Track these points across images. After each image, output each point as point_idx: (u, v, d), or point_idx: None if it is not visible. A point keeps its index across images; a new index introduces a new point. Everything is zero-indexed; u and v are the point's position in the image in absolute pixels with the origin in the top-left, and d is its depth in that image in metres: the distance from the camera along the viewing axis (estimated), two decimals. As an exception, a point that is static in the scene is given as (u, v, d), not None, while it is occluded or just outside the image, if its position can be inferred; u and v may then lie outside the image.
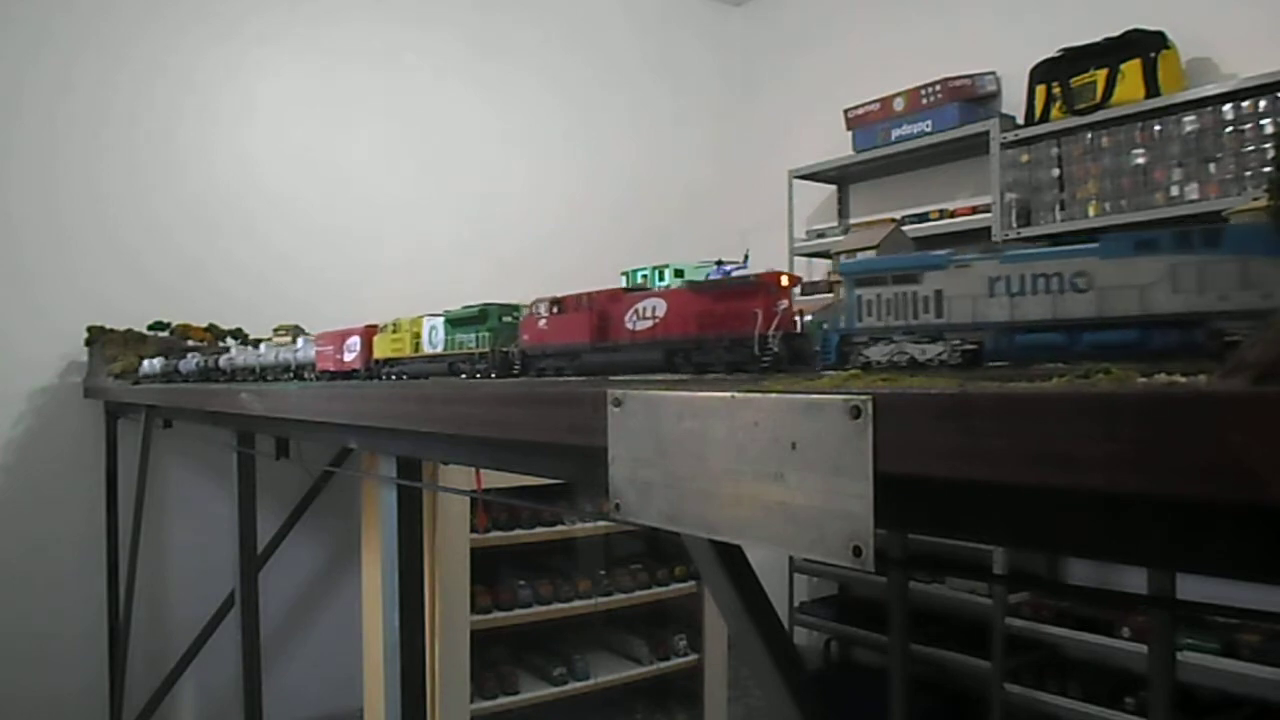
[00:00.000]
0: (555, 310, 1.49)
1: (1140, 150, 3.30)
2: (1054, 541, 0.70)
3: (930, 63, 4.17)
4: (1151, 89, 3.30)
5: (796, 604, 4.62)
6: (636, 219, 5.08)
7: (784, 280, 1.17)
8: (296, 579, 4.17)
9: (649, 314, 1.31)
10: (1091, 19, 3.57)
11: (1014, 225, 3.66)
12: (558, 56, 5.08)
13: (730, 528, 0.76)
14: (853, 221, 4.80)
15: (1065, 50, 3.57)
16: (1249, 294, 0.76)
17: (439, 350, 1.83)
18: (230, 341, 3.69)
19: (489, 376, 1.64)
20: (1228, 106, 3.08)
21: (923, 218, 4.19)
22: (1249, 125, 3.04)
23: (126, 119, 3.89)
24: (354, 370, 2.15)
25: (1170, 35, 3.35)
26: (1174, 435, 0.47)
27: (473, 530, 3.07)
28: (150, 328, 3.80)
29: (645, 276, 1.54)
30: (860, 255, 1.43)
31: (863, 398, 0.64)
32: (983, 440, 0.56)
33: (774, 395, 0.72)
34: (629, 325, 1.34)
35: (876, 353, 0.99)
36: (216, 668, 3.72)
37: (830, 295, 1.51)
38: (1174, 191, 3.21)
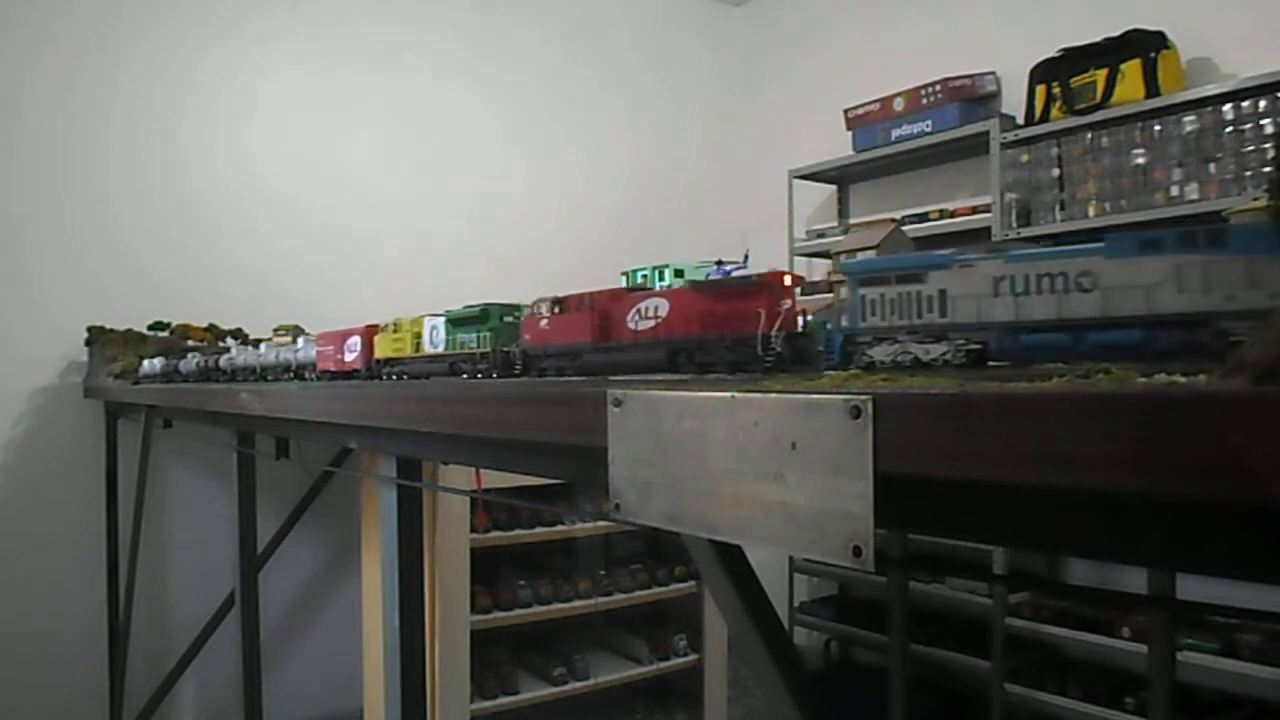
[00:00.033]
0: (557, 310, 1.49)
1: (1140, 150, 3.30)
2: (1054, 541, 0.70)
3: (930, 63, 4.17)
4: (1151, 89, 3.30)
5: (796, 604, 4.62)
6: (636, 219, 5.08)
7: (787, 280, 1.17)
8: (296, 579, 4.17)
9: (651, 314, 1.30)
10: (1091, 19, 3.57)
11: (1014, 225, 3.66)
12: (558, 56, 5.08)
13: (730, 528, 0.76)
14: (853, 221, 4.80)
15: (1065, 50, 3.57)
16: (1255, 294, 0.75)
17: (440, 350, 1.83)
18: (230, 341, 3.69)
19: (490, 376, 1.64)
20: (1228, 106, 3.08)
21: (923, 218, 4.19)
22: (1249, 125, 3.04)
23: (126, 119, 3.89)
24: (355, 370, 2.15)
25: (1170, 35, 3.35)
26: (1174, 435, 0.47)
27: (473, 530, 3.07)
28: (150, 328, 3.80)
29: (645, 276, 1.54)
30: (860, 255, 1.43)
31: (863, 398, 0.64)
32: (983, 440, 0.56)
33: (774, 395, 0.72)
34: (631, 325, 1.33)
35: (880, 352, 0.98)
36: (216, 668, 3.72)
37: (830, 295, 1.50)
38: (1174, 191, 3.21)
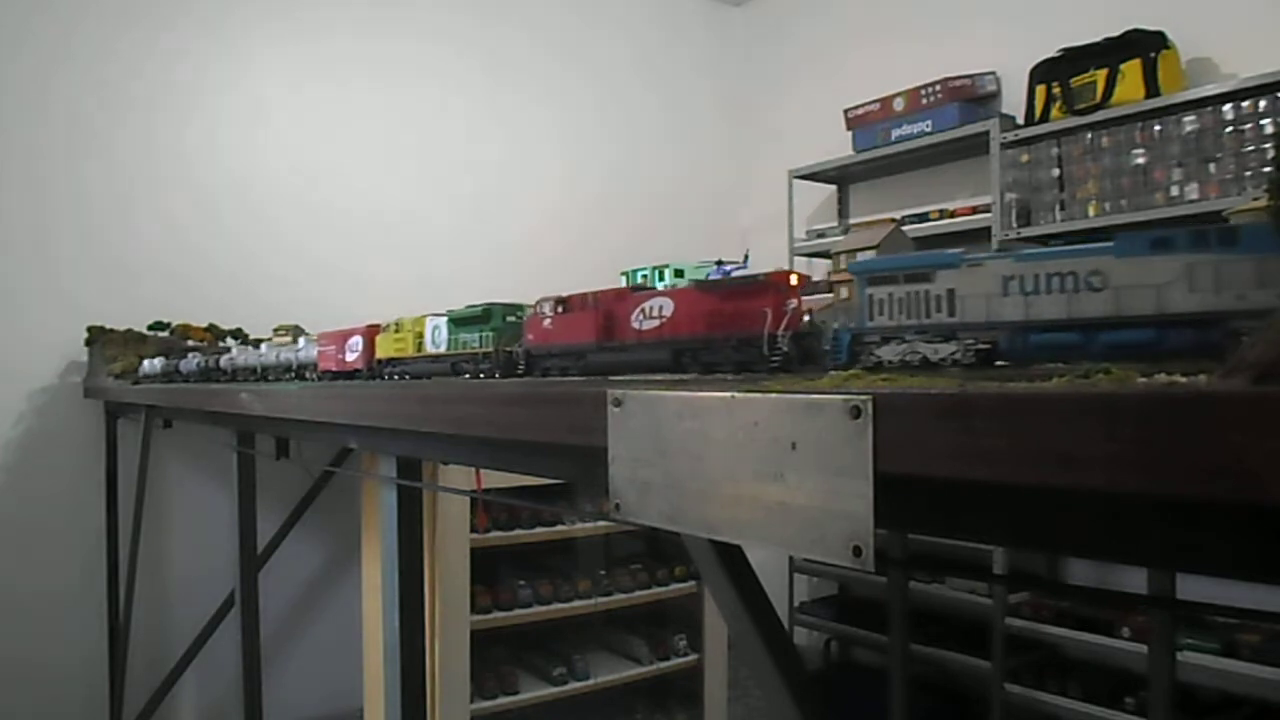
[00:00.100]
0: (560, 310, 1.48)
1: (1140, 150, 3.30)
2: (1054, 541, 0.70)
3: (930, 63, 4.17)
4: (1151, 89, 3.30)
5: (796, 604, 4.62)
6: (636, 219, 5.08)
7: (793, 279, 1.15)
8: (296, 579, 4.17)
9: (656, 313, 1.29)
10: (1091, 19, 3.57)
11: (1014, 225, 3.66)
12: (557, 57, 5.08)
13: (730, 528, 0.76)
14: (853, 221, 4.80)
15: (1065, 50, 3.57)
16: (1266, 293, 0.75)
17: (442, 350, 1.83)
18: (230, 341, 3.69)
19: (493, 376, 1.63)
20: (1228, 106, 3.08)
21: (923, 218, 4.18)
22: (1249, 125, 3.04)
23: (129, 120, 3.89)
24: (356, 370, 2.15)
25: (1170, 35, 3.35)
26: (1174, 435, 0.47)
27: (473, 530, 3.07)
28: (150, 328, 3.80)
29: (645, 276, 1.54)
30: (861, 255, 1.43)
31: (863, 398, 0.64)
32: (983, 440, 0.56)
33: (774, 395, 0.72)
34: (635, 325, 1.32)
35: (888, 352, 0.98)
36: (216, 668, 3.72)
37: (830, 295, 1.50)
38: (1174, 191, 3.21)
